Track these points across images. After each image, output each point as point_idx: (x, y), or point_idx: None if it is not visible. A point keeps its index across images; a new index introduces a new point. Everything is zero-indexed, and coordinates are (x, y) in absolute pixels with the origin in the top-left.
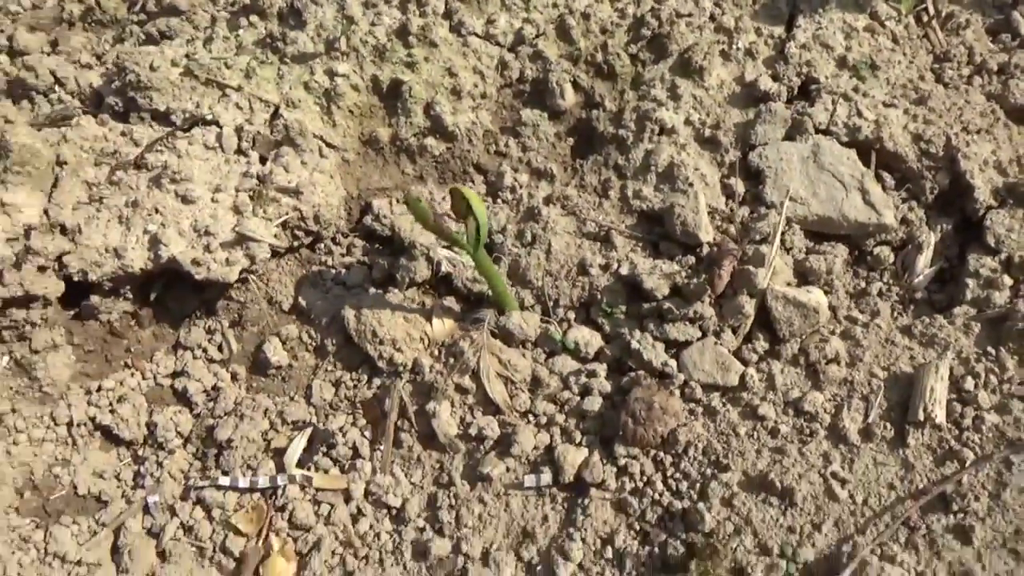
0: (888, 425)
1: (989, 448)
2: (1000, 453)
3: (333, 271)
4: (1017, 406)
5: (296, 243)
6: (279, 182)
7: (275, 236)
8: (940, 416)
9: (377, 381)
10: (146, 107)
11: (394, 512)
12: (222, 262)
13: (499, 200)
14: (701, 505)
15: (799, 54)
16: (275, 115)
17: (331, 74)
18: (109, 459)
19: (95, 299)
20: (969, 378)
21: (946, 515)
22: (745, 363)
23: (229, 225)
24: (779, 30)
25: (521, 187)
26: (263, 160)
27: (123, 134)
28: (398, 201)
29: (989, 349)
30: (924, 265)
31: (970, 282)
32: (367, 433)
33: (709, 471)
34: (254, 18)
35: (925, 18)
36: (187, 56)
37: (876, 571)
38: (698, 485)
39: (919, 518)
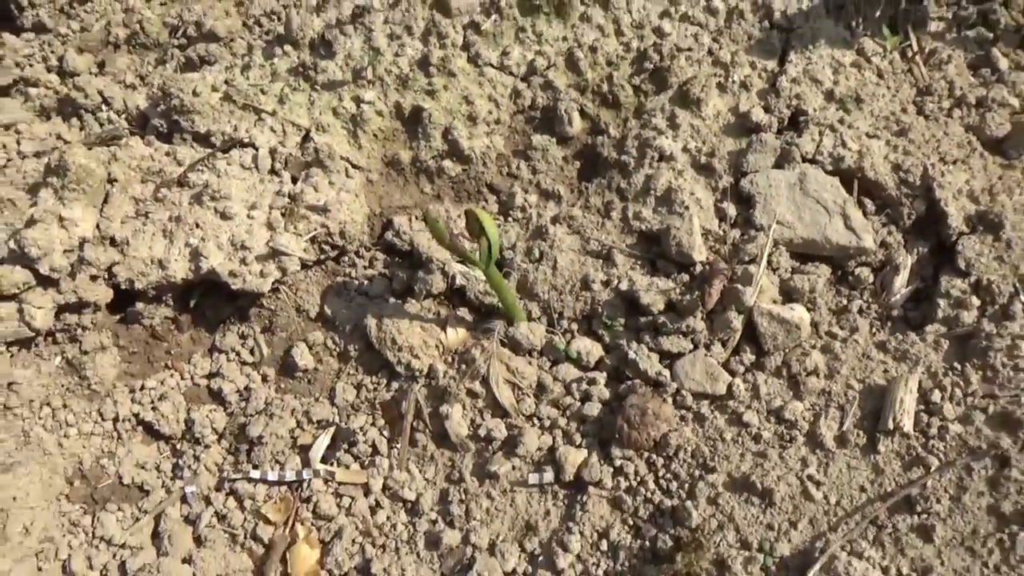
0: (861, 433)
1: (952, 455)
2: (962, 460)
3: (356, 282)
4: (979, 417)
5: (323, 256)
6: (309, 200)
7: (305, 250)
8: (908, 425)
9: (395, 385)
10: (189, 129)
11: (409, 505)
12: (257, 274)
13: (510, 218)
14: (689, 503)
15: (790, 87)
16: (306, 138)
17: (358, 101)
18: (151, 452)
19: (140, 305)
20: (936, 391)
21: (911, 515)
22: (733, 374)
23: (263, 240)
24: (772, 64)
25: (531, 207)
26: (295, 180)
27: (167, 154)
28: (417, 218)
29: (956, 364)
30: (901, 285)
31: (941, 302)
32: (385, 432)
33: (697, 472)
34: (287, 47)
35: (910, 53)
36: (226, 82)
37: (844, 565)
38: (687, 485)
39: (886, 518)
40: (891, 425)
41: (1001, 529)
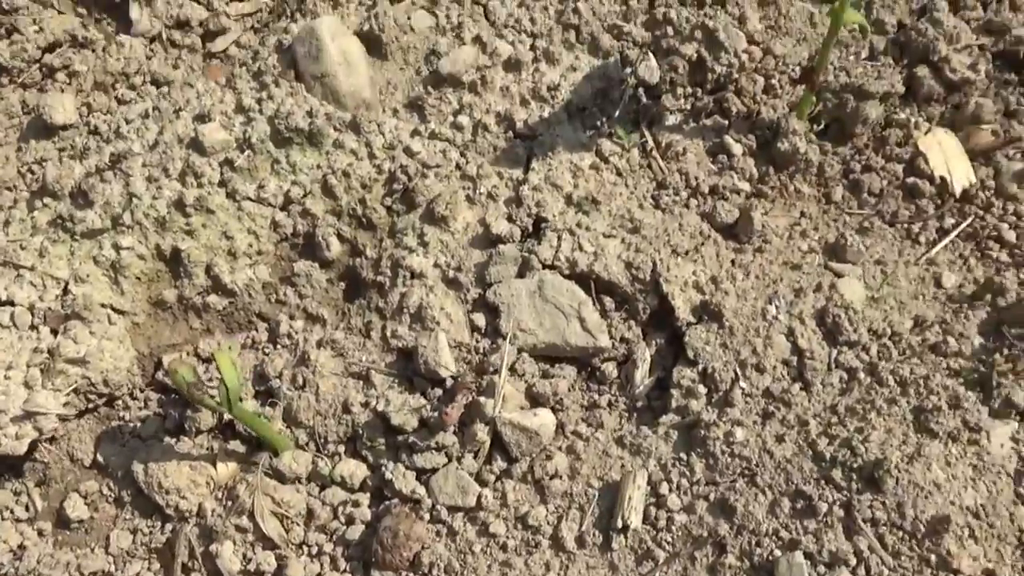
0: (598, 532)
1: (678, 546)
2: (686, 550)
3: (131, 425)
4: (701, 505)
5: (91, 405)
6: (68, 354)
7: (65, 404)
8: (636, 522)
9: (169, 527)
10: None
11: None
12: (12, 436)
13: (278, 345)
14: None
15: (531, 195)
16: (65, 290)
17: (117, 247)
18: None
19: None
20: (664, 483)
21: None
22: (484, 484)
23: (20, 400)
24: (518, 173)
25: (296, 332)
26: (55, 333)
27: None
28: (185, 356)
29: (682, 455)
30: (642, 377)
31: (674, 392)
32: None
33: None
34: (47, 199)
35: (648, 148)
36: None
37: None
38: None
39: None
40: (620, 523)
41: None
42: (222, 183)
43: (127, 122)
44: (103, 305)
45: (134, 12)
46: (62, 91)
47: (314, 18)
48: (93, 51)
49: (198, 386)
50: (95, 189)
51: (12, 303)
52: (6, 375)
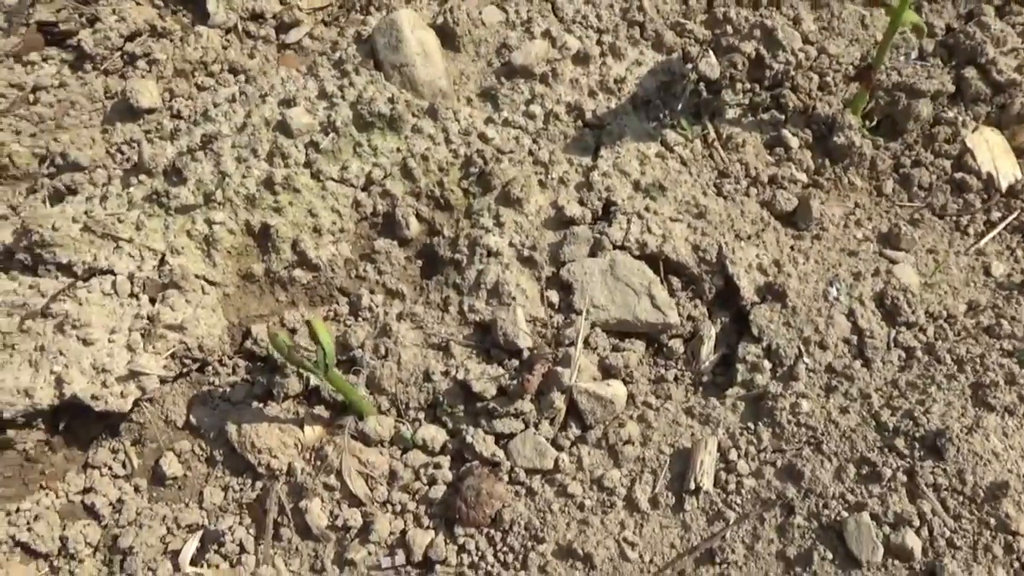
0: (671, 494)
1: (747, 508)
2: (755, 512)
3: (220, 390)
4: (769, 471)
5: (185, 369)
6: (166, 320)
7: (164, 367)
8: (708, 484)
9: (259, 484)
10: (51, 261)
11: None
12: (118, 395)
13: (359, 318)
14: (522, 573)
15: (601, 181)
16: (162, 261)
17: (209, 222)
18: (28, 572)
19: (11, 432)
20: (733, 450)
21: (712, 566)
22: (560, 448)
23: (124, 362)
24: (587, 160)
25: (377, 306)
26: (152, 301)
27: (31, 287)
28: (273, 325)
29: (750, 424)
30: (708, 353)
31: (740, 367)
32: (252, 530)
33: (529, 543)
34: (143, 176)
35: (710, 139)
36: (86, 213)
37: None
38: (520, 556)
39: (692, 570)
40: (693, 485)
41: (787, 572)
42: (307, 164)
43: (215, 105)
44: (197, 276)
45: (211, 5)
46: (143, 77)
47: (391, 11)
48: (171, 40)
49: (296, 349)
50: (188, 167)
51: (113, 272)
52: (110, 338)
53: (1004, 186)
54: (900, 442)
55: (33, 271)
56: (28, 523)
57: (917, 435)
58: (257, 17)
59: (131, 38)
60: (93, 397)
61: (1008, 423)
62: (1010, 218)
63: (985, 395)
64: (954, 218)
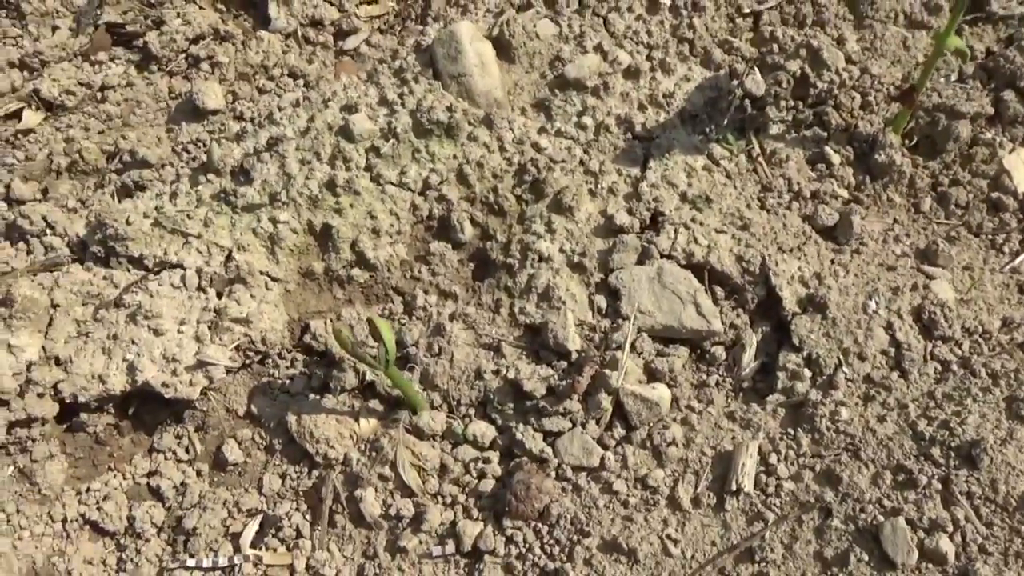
0: (712, 494)
1: (786, 510)
2: (793, 513)
3: (280, 382)
4: (807, 475)
5: (248, 361)
6: (232, 314)
7: (230, 358)
8: (749, 486)
9: (316, 473)
10: (123, 254)
11: None
12: (187, 383)
13: (413, 317)
14: (568, 565)
15: (649, 191)
16: (229, 257)
17: (274, 221)
18: (97, 549)
19: (84, 416)
20: (773, 454)
21: (752, 564)
22: (605, 447)
23: (192, 352)
24: (636, 171)
25: (431, 306)
26: (219, 295)
27: (105, 278)
28: (331, 322)
29: (790, 430)
30: (749, 360)
31: (780, 375)
32: (308, 517)
33: (575, 537)
34: (211, 175)
35: (754, 154)
36: (156, 209)
37: None
38: (567, 549)
39: (732, 568)
40: (734, 486)
41: (824, 572)
42: (368, 168)
43: (279, 109)
44: (261, 272)
45: (272, 10)
46: (206, 79)
47: (448, 22)
48: (233, 44)
49: (360, 344)
50: (255, 168)
51: (182, 267)
52: (179, 329)
53: None
54: (936, 451)
55: (105, 263)
56: (97, 503)
57: (952, 444)
58: (316, 23)
59: (195, 41)
60: (164, 385)
61: None
62: None
63: (1019, 408)
64: (990, 236)
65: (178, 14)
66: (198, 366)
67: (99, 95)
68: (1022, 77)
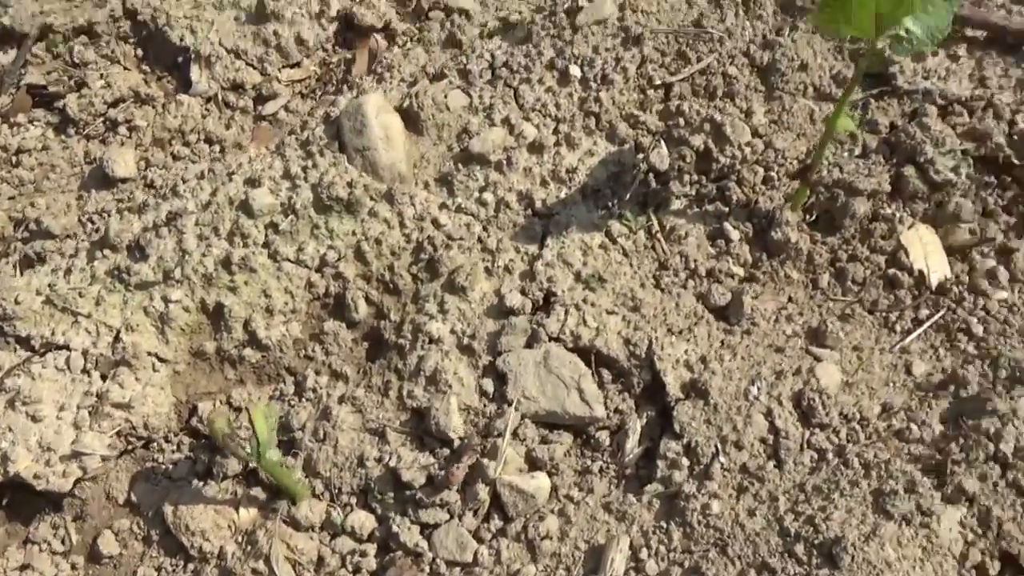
0: None
1: None
2: None
3: (163, 466)
4: (676, 572)
5: (129, 447)
6: (114, 399)
7: (108, 446)
8: None
9: (191, 566)
10: (11, 334)
11: None
12: (59, 474)
13: (303, 399)
14: None
15: (544, 271)
16: (117, 338)
17: (166, 300)
18: None
19: None
20: (644, 549)
21: None
22: (481, 541)
23: (68, 440)
24: (534, 248)
25: (321, 388)
26: (104, 378)
27: None
28: (217, 405)
29: (663, 523)
30: (632, 447)
31: (660, 463)
32: None
33: None
34: (107, 251)
35: (654, 230)
36: (50, 286)
37: None
38: None
39: None
40: None
41: None
42: (266, 244)
43: (183, 181)
44: (149, 353)
45: (194, 73)
46: (122, 144)
47: (360, 92)
48: (153, 107)
49: (232, 437)
50: (151, 244)
51: (68, 348)
52: (58, 415)
53: (934, 283)
54: (800, 548)
55: None
56: None
57: (816, 542)
58: (237, 87)
59: (115, 104)
60: (35, 476)
61: (904, 532)
62: (936, 316)
63: (885, 502)
64: (884, 314)
65: (101, 75)
66: (72, 456)
67: (14, 159)
68: (922, 153)
